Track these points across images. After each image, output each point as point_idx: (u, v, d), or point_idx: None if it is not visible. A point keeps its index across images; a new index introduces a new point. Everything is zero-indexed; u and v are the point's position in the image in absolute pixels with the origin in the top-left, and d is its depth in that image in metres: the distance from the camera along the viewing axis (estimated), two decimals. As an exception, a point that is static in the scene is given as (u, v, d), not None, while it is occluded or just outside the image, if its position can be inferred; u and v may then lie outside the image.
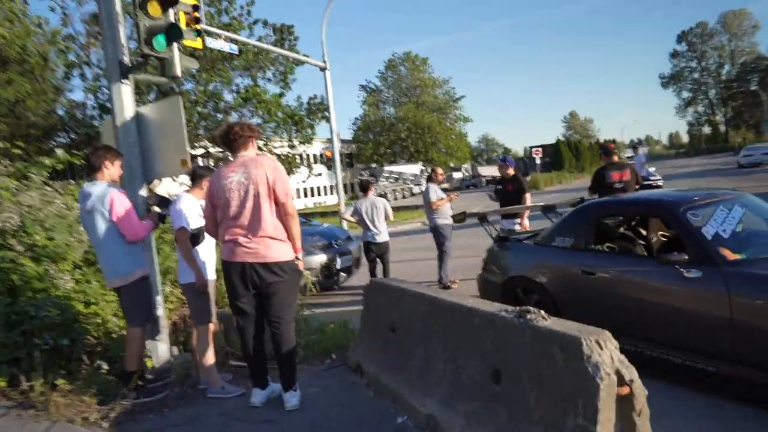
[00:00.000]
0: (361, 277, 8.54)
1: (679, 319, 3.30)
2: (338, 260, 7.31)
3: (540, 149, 39.43)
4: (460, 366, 2.85)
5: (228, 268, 3.39)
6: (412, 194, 46.52)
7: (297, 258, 3.45)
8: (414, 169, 48.27)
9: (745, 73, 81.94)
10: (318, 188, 50.77)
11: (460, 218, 5.62)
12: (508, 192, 7.44)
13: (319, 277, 6.97)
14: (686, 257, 3.24)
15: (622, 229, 4.66)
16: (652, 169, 19.27)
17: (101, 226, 3.68)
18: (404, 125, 53.79)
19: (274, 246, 3.32)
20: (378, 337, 3.92)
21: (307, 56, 19.96)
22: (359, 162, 55.34)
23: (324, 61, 18.28)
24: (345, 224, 11.71)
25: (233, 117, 24.33)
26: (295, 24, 21.60)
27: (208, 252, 3.93)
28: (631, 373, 2.05)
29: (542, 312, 2.51)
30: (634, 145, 22.91)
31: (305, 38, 67.44)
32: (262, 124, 23.85)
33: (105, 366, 4.28)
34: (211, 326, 3.85)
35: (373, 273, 7.39)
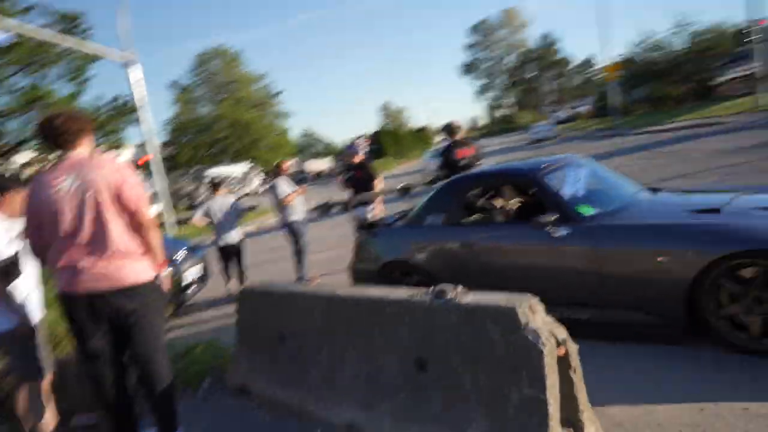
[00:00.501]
0: (214, 288, 7.79)
1: (554, 276, 3.53)
2: (182, 275, 6.49)
3: (364, 139, 40.79)
4: (376, 363, 2.63)
5: (68, 301, 2.65)
6: (245, 195, 44.61)
7: (157, 277, 2.85)
8: (241, 168, 46.32)
9: (522, 62, 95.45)
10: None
11: (325, 208, 5.36)
12: (358, 179, 7.38)
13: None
14: (555, 218, 3.46)
15: (480, 202, 4.88)
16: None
17: None
18: (223, 124, 51.10)
19: (128, 265, 2.69)
20: (263, 351, 3.48)
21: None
22: (177, 167, 51.17)
23: (124, 57, 16.13)
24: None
25: (12, 125, 20.43)
26: (86, 12, 18.73)
27: (28, 285, 3.06)
28: (562, 332, 2.05)
29: (458, 287, 2.41)
30: (444, 129, 24.61)
31: (102, 30, 59.27)
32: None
33: None
34: (46, 381, 3.02)
35: (228, 277, 7.07)
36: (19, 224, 3.17)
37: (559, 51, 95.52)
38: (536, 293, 3.41)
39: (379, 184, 7.28)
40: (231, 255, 6.91)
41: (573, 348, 2.04)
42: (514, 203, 5.01)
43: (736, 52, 32.12)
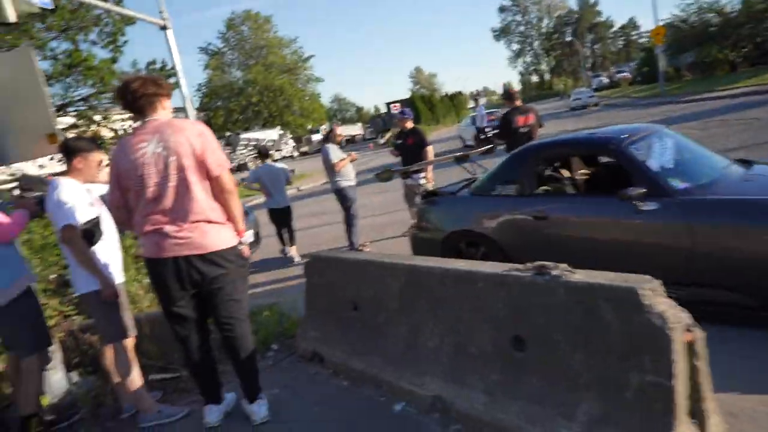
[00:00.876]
0: (266, 251, 7.87)
1: (639, 252, 3.36)
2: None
3: (398, 104, 40.23)
4: (463, 339, 2.55)
5: (155, 266, 2.64)
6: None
7: (240, 243, 2.82)
8: (272, 134, 46.39)
9: (560, 25, 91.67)
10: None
11: (386, 176, 5.25)
12: (409, 146, 7.23)
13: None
14: (643, 191, 3.27)
15: (548, 172, 4.69)
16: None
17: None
18: (254, 89, 51.14)
19: (213, 231, 2.65)
20: (335, 319, 3.46)
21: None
22: (212, 131, 51.61)
23: (163, 19, 16.04)
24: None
25: (56, 88, 20.80)
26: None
27: (110, 248, 3.07)
28: (687, 317, 1.92)
29: (562, 265, 2.29)
30: (474, 97, 24.18)
31: (128, -5, 59.49)
32: (96, 95, 20.78)
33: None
34: (130, 341, 3.06)
35: (280, 236, 7.57)
36: (97, 188, 3.16)
37: (599, 13, 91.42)
38: (618, 270, 3.29)
39: (431, 152, 7.11)
40: (281, 218, 7.34)
41: (699, 334, 1.91)
42: (582, 174, 4.80)
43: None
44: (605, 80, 60.01)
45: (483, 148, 5.89)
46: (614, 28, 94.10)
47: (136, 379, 3.01)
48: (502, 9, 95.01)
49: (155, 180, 2.56)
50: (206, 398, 2.90)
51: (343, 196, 6.82)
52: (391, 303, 2.98)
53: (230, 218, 2.73)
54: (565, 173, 4.75)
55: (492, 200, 4.16)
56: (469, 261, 2.74)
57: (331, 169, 6.75)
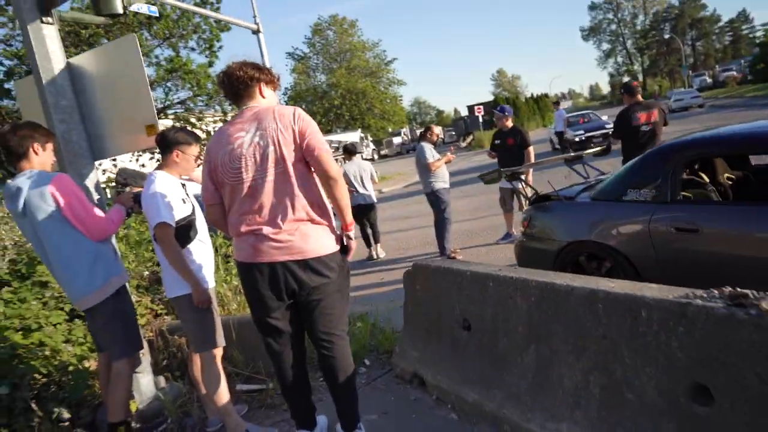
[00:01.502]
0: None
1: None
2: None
3: (481, 107, 39.20)
4: (616, 380, 2.03)
5: (249, 272, 2.35)
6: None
7: (348, 237, 2.47)
8: (353, 136, 46.92)
9: (657, 22, 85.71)
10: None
11: (493, 177, 4.77)
12: (509, 147, 6.68)
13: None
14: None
15: (687, 175, 3.98)
16: (605, 117, 19.24)
17: (49, 228, 2.53)
18: (337, 92, 52.13)
19: (315, 234, 2.32)
20: (440, 338, 3.03)
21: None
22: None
23: (256, 23, 16.54)
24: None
25: (158, 92, 22.10)
26: (215, -15, 19.36)
27: (203, 251, 2.85)
28: None
29: (761, 294, 1.71)
30: (554, 101, 22.96)
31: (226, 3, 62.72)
32: (192, 98, 21.88)
33: (66, 414, 3.17)
34: (219, 351, 2.81)
35: (366, 238, 7.48)
36: (192, 185, 2.96)
37: (704, 7, 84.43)
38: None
39: (533, 153, 6.54)
40: (366, 215, 7.29)
41: None
42: (728, 178, 4.05)
43: None
44: (708, 80, 55.20)
45: (597, 148, 5.24)
46: (721, 23, 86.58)
47: (223, 393, 2.75)
48: (592, 6, 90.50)
49: (252, 174, 2.27)
50: (297, 422, 2.57)
51: (436, 198, 6.39)
52: (517, 326, 2.50)
53: (338, 209, 2.38)
54: (705, 177, 4.02)
55: (622, 207, 3.55)
56: (622, 281, 2.21)
57: (424, 169, 6.35)
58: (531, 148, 6.62)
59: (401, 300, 5.26)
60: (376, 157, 50.70)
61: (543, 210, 4.17)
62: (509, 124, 6.67)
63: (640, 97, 5.35)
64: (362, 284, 6.18)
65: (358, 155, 7.59)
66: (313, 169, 2.33)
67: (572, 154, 5.10)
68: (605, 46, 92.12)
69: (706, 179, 3.95)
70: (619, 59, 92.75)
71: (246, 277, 2.42)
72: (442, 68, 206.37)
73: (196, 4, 20.07)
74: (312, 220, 2.31)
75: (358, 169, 7.21)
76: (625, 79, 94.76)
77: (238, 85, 2.40)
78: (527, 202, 4.44)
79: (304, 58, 58.70)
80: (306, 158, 2.29)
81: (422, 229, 8.99)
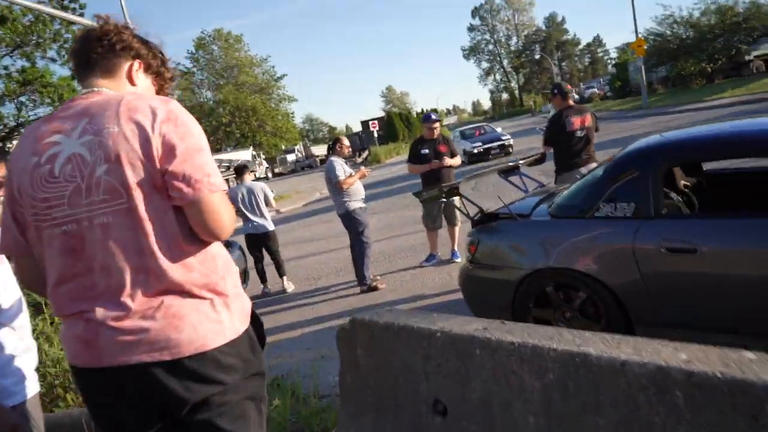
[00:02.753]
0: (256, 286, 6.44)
1: None
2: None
3: (376, 122, 39.19)
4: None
5: (85, 382, 1.31)
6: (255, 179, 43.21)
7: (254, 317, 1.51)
8: (245, 155, 44.82)
9: (529, 43, 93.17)
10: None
11: (433, 195, 3.98)
12: (441, 155, 5.99)
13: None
14: None
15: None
16: (499, 129, 19.71)
17: None
18: (225, 109, 49.73)
19: (193, 314, 1.33)
20: (399, 425, 2.14)
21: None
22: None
23: (129, 30, 14.63)
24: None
25: (7, 108, 19.05)
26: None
27: (10, 339, 1.71)
28: None
29: None
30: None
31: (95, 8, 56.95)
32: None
33: None
34: None
35: (262, 276, 6.51)
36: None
37: (566, 31, 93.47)
38: None
39: (457, 161, 5.99)
40: (259, 245, 6.33)
41: None
42: (683, 186, 3.64)
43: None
44: (575, 96, 60.50)
45: (533, 157, 4.70)
46: (580, 46, 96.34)
47: None
48: (471, 28, 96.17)
49: (71, 210, 1.25)
50: None
51: (351, 220, 5.53)
52: (526, 415, 1.69)
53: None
54: (681, 185, 3.58)
55: (595, 225, 2.94)
56: (696, 348, 1.48)
57: (336, 187, 5.46)
58: (458, 158, 6.10)
59: (323, 347, 4.36)
60: (270, 175, 48.72)
61: (494, 231, 3.48)
62: (438, 131, 6.04)
63: (571, 102, 4.94)
64: (269, 328, 5.10)
65: (249, 175, 6.51)
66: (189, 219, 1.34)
67: (507, 164, 4.51)
68: (485, 64, 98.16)
69: (681, 187, 3.51)
70: (498, 77, 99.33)
71: (82, 390, 1.37)
72: (332, 85, 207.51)
73: (54, 8, 17.60)
74: (185, 291, 1.31)
75: (247, 192, 6.17)
76: (504, 96, 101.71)
77: (96, 48, 1.38)
78: (471, 221, 3.72)
79: (187, 74, 55.21)
80: (171, 194, 1.30)
81: (332, 253, 8.06)
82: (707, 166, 3.93)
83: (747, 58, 32.01)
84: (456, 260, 6.00)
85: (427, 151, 5.93)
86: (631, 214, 2.80)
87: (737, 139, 2.70)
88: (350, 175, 5.48)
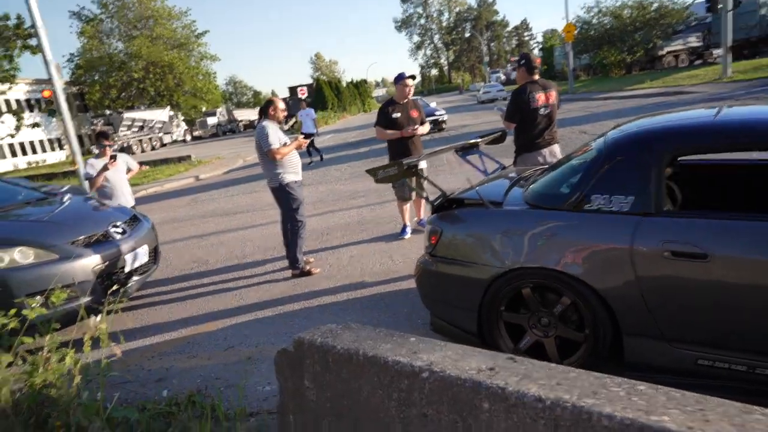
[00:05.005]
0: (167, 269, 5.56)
1: None
2: (126, 257, 4.28)
3: (305, 89, 37.56)
4: None
5: None
6: (163, 144, 40.22)
7: None
8: (162, 114, 41.69)
9: (460, 21, 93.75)
10: (33, 143, 39.79)
11: (390, 174, 3.34)
12: (413, 121, 5.40)
13: (94, 294, 3.92)
14: None
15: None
16: (433, 104, 19.32)
17: None
18: (139, 64, 45.69)
19: None
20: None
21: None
22: (87, 109, 45.26)
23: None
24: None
25: None
26: None
27: None
28: None
29: None
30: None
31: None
32: None
33: None
34: None
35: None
36: None
37: (496, 12, 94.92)
38: None
39: (426, 129, 5.52)
40: None
41: None
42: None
43: (679, 25, 32.59)
44: (502, 77, 61.87)
45: (492, 135, 4.24)
46: (508, 28, 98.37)
47: None
48: (404, 0, 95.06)
49: None
50: None
51: (284, 194, 4.83)
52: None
53: None
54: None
55: (584, 219, 2.50)
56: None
57: (267, 156, 4.72)
58: (427, 125, 5.60)
59: (248, 345, 3.70)
60: (188, 138, 45.73)
61: (459, 220, 2.97)
62: (411, 93, 5.44)
63: (537, 76, 4.49)
64: (180, 318, 4.33)
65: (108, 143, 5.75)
66: None
67: (466, 142, 4.01)
68: (416, 38, 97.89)
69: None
70: (428, 52, 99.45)
71: None
72: (258, 48, 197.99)
73: None
74: None
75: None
76: (434, 72, 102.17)
77: None
78: (430, 206, 3.19)
79: (93, 20, 49.94)
80: None
81: (258, 229, 7.30)
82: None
83: (660, 53, 33.93)
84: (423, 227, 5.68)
85: (398, 114, 5.31)
86: (628, 209, 2.38)
87: (755, 130, 2.34)
88: (284, 144, 4.76)
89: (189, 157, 20.34)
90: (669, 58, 33.40)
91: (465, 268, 2.82)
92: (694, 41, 33.54)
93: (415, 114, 5.43)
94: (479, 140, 4.06)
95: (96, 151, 5.89)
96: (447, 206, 3.10)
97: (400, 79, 5.44)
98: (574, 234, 2.51)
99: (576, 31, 30.26)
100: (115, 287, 3.74)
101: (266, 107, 4.84)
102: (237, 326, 4.03)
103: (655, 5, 32.76)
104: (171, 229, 8.22)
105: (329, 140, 23.19)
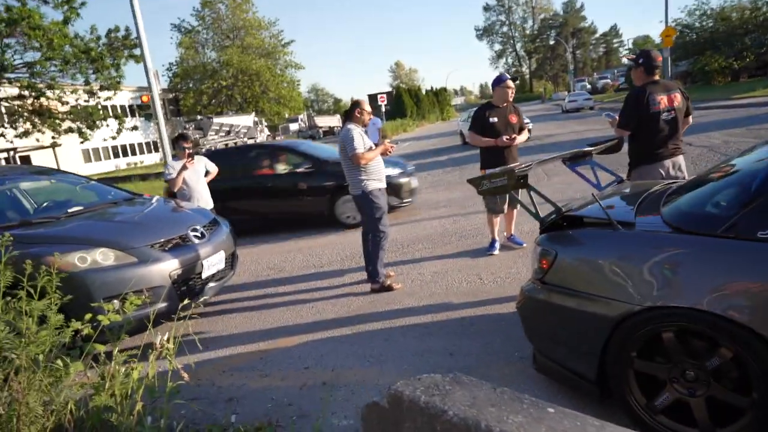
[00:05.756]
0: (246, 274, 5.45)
1: None
2: (204, 263, 4.14)
3: (384, 96, 37.75)
4: None
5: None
6: (204, 152, 41.98)
7: None
8: (247, 120, 43.44)
9: (544, 28, 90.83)
10: (132, 146, 42.99)
11: (505, 184, 2.88)
12: (512, 127, 5.00)
13: (169, 301, 3.78)
14: None
15: None
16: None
17: None
18: (229, 72, 48.15)
19: None
20: None
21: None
22: (180, 113, 48.28)
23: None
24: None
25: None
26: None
27: None
28: None
29: None
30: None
31: (95, -38, 54.73)
32: (42, 61, 17.77)
33: None
34: None
35: None
36: None
37: (584, 18, 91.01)
38: None
39: (525, 137, 5.10)
40: None
41: None
42: None
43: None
44: (588, 85, 59.02)
45: (608, 143, 3.68)
46: (596, 35, 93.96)
47: None
48: (486, 8, 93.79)
49: None
50: None
51: (368, 202, 4.52)
52: None
53: None
54: None
55: (758, 251, 1.94)
56: None
57: (351, 161, 4.44)
58: (526, 132, 5.20)
59: (324, 366, 3.34)
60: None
61: (579, 243, 2.48)
62: (511, 97, 5.03)
63: (657, 76, 3.88)
64: (254, 331, 4.12)
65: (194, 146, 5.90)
66: None
67: (578, 151, 3.49)
68: (497, 46, 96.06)
69: None
70: (510, 60, 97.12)
71: None
72: (339, 56, 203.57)
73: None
74: None
75: (195, 168, 5.69)
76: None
77: None
78: (539, 223, 2.72)
79: (191, 32, 53.40)
80: None
81: (338, 236, 7.06)
82: None
83: (773, 57, 30.73)
84: (519, 245, 5.31)
85: (496, 119, 4.88)
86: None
87: None
88: (370, 149, 4.45)
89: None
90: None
91: (585, 302, 2.33)
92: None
93: (513, 119, 4.96)
94: (591, 149, 3.52)
95: (175, 154, 5.92)
96: (561, 225, 2.62)
97: (500, 81, 4.97)
98: (744, 269, 1.95)
99: (675, 36, 28.06)
100: (191, 293, 3.57)
101: (352, 109, 4.57)
102: (313, 344, 3.74)
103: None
104: (249, 231, 8.22)
105: (407, 147, 22.96)
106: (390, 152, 4.63)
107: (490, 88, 5.38)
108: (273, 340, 3.90)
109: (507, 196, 4.76)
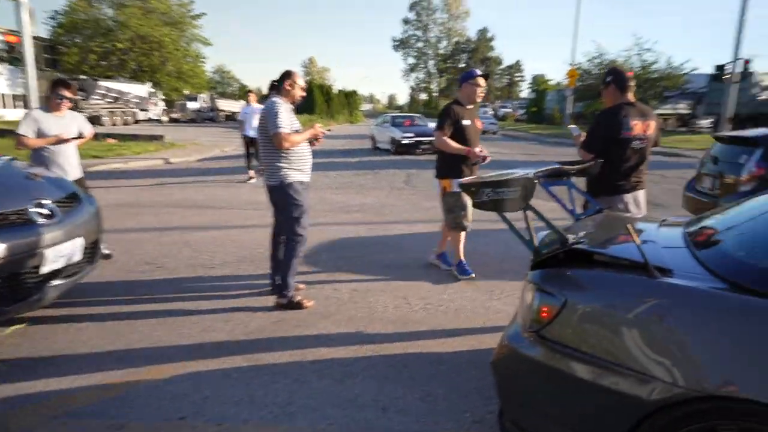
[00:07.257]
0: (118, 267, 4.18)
1: None
2: (47, 252, 2.95)
3: (296, 88, 36.13)
4: None
5: None
6: (137, 121, 38.01)
7: None
8: (140, 90, 39.60)
9: (458, 51, 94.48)
10: (-8, 96, 37.02)
11: (514, 195, 2.13)
12: (476, 132, 4.27)
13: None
14: None
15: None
16: (431, 125, 18.33)
17: None
18: (126, 34, 43.72)
19: None
20: None
21: None
22: (62, 70, 42.72)
23: None
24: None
25: None
26: None
27: None
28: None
29: None
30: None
31: None
32: None
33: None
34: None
35: None
36: None
37: (493, 48, 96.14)
38: None
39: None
40: None
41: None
42: None
43: (673, 90, 33.10)
44: (490, 112, 62.14)
45: (584, 165, 3.13)
46: (502, 66, 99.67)
47: None
48: (405, 21, 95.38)
49: None
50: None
51: (286, 198, 3.60)
52: None
53: None
54: None
55: None
56: None
57: (272, 142, 3.50)
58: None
59: (214, 422, 2.34)
60: (164, 118, 43.44)
61: (599, 289, 1.82)
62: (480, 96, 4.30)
63: (631, 96, 3.44)
64: (114, 350, 3.02)
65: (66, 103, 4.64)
66: None
67: (552, 168, 2.89)
68: (411, 60, 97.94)
69: None
70: (421, 75, 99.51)
71: None
72: (250, 41, 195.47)
73: None
74: None
75: (58, 124, 4.52)
76: (423, 96, 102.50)
77: None
78: (533, 253, 2.05)
79: (85, -20, 47.57)
80: None
81: (234, 232, 5.98)
82: None
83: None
84: (448, 267, 4.57)
85: (468, 122, 4.16)
86: None
87: None
88: (297, 131, 3.55)
89: (162, 137, 18.71)
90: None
91: (606, 374, 1.67)
92: (683, 108, 33.91)
93: (480, 125, 4.34)
94: (569, 168, 2.95)
95: (47, 105, 4.54)
96: (569, 264, 1.95)
97: (470, 76, 4.32)
98: None
99: (576, 78, 30.10)
100: (19, 293, 2.43)
101: (282, 80, 3.63)
102: (194, 378, 2.75)
103: (658, 66, 33.05)
104: (125, 214, 6.82)
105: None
106: (320, 139, 3.76)
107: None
108: (136, 369, 2.84)
109: (471, 207, 4.06)
